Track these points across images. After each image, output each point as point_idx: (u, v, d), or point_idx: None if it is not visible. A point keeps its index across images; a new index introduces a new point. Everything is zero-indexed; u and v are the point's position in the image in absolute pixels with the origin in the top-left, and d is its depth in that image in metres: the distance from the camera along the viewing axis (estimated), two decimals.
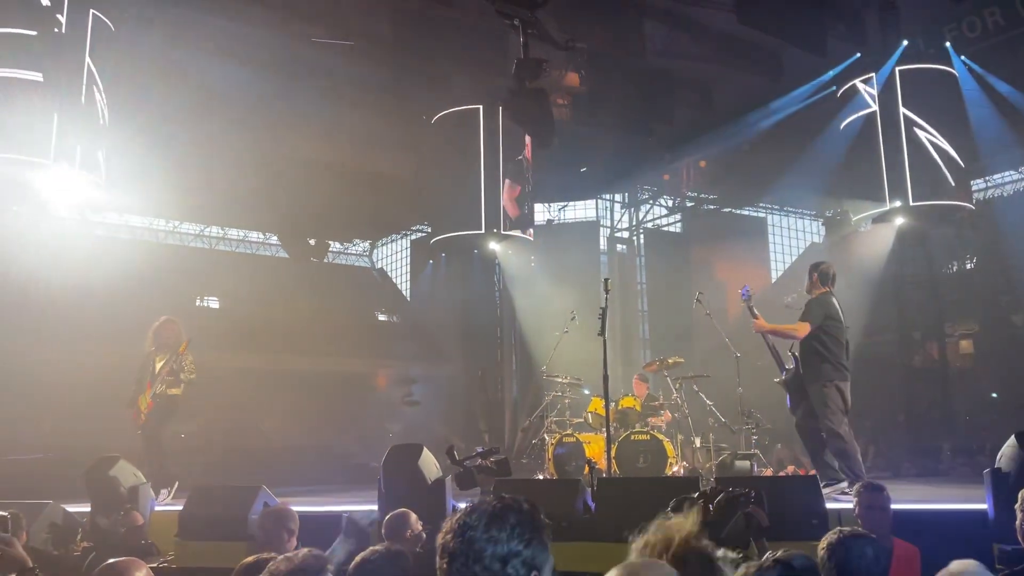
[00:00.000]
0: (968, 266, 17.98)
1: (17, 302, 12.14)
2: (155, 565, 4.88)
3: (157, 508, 6.82)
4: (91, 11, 10.70)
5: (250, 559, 3.19)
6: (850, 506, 4.80)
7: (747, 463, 9.02)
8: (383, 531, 4.35)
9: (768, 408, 10.31)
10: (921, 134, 12.13)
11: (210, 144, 14.88)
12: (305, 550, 2.89)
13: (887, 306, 13.78)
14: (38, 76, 10.16)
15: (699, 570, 2.30)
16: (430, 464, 5.92)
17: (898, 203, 12.19)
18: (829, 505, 5.28)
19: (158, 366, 8.01)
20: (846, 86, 12.99)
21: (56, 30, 10.32)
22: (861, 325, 14.30)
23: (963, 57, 12.78)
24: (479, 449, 5.68)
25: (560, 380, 10.33)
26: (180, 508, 6.30)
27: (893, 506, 4.71)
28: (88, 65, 10.64)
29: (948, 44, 12.80)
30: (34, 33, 10.21)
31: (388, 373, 19.20)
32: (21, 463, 11.68)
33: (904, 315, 13.50)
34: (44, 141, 10.10)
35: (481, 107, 13.44)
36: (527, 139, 13.52)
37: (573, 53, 13.14)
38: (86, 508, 6.44)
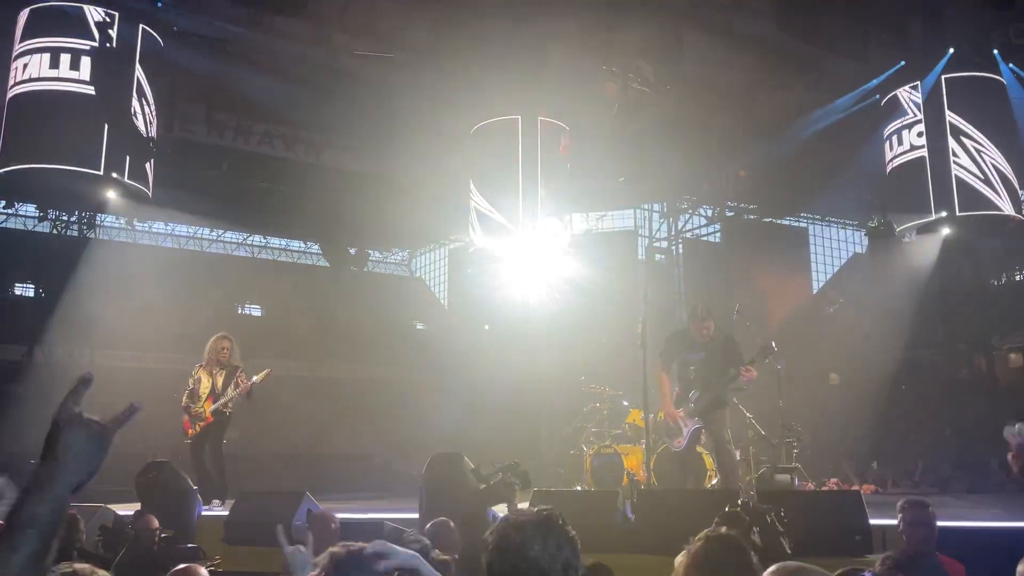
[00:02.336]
0: (1017, 277, 17.59)
1: (64, 310, 12.49)
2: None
3: (204, 513, 6.96)
4: (141, 26, 11.01)
5: None
6: (894, 522, 4.73)
7: (787, 477, 8.91)
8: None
9: (810, 421, 10.18)
10: (968, 143, 11.92)
11: (253, 155, 15.18)
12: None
13: (933, 318, 13.53)
14: (90, 89, 10.48)
15: None
16: (470, 473, 5.96)
17: (944, 213, 11.97)
18: (873, 521, 5.21)
19: (218, 382, 8.16)
20: (890, 94, 12.80)
21: (107, 44, 10.63)
22: (906, 338, 14.09)
23: (1011, 64, 12.53)
24: (496, 466, 5.68)
25: (598, 390, 10.31)
26: (226, 513, 6.42)
27: (939, 522, 4.63)
28: (137, 78, 10.94)
29: (995, 51, 12.55)
30: (87, 47, 10.54)
31: (426, 381, 19.29)
32: None
33: (951, 327, 13.24)
34: (94, 152, 10.41)
35: (519, 117, 13.48)
36: (563, 137, 13.53)
37: (611, 61, 13.16)
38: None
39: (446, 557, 3.48)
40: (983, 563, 4.06)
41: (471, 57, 12.77)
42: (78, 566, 2.46)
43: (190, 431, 8.16)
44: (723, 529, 2.72)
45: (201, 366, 8.31)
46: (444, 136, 14.84)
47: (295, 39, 12.68)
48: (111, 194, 10.95)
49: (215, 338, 8.33)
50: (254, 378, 8.15)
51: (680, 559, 2.45)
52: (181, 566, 3.02)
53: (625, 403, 10.40)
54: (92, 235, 13.53)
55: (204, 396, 8.14)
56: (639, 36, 12.10)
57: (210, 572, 5.26)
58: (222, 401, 8.06)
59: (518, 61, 12.81)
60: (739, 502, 3.64)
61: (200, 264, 20.31)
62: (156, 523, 5.61)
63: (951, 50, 12.25)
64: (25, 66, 10.48)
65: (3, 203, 12.93)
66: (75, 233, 12.88)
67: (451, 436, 15.78)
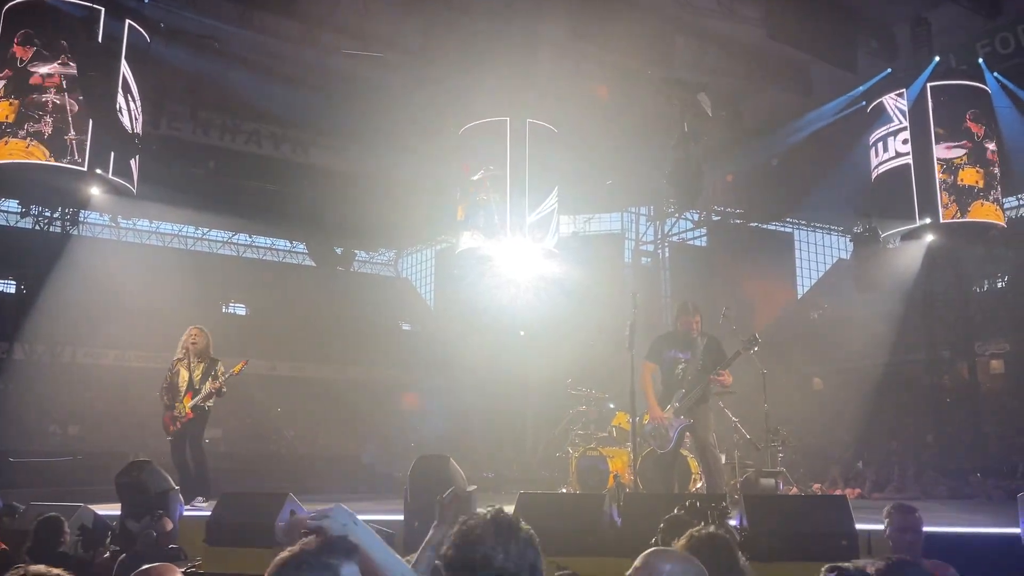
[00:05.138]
0: (999, 284, 17.74)
1: (46, 307, 12.36)
2: (184, 570, 4.92)
3: (185, 513, 6.88)
4: (127, 22, 10.89)
5: (286, 553, 3.17)
6: (880, 527, 4.74)
7: (772, 481, 8.92)
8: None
9: (795, 426, 10.21)
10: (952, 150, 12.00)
11: (240, 153, 15.09)
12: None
13: (916, 324, 13.61)
14: (75, 85, 10.36)
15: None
16: (457, 475, 5.92)
17: (928, 220, 12.04)
18: (859, 526, 5.20)
19: (195, 375, 8.10)
20: (876, 102, 12.87)
21: (93, 40, 10.51)
22: (889, 344, 14.19)
23: (996, 73, 12.63)
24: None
25: (584, 393, 10.30)
26: (208, 514, 6.35)
27: (923, 528, 4.64)
28: (123, 74, 10.82)
29: (981, 60, 12.65)
30: (72, 43, 10.42)
31: (412, 382, 19.24)
32: (49, 464, 11.86)
33: (933, 334, 13.32)
34: (79, 148, 10.29)
35: (508, 119, 13.45)
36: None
37: (603, 66, 13.19)
38: (115, 511, 6.51)
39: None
40: (969, 570, 4.07)
41: (460, 58, 12.73)
42: (32, 568, 2.40)
43: (171, 428, 8.08)
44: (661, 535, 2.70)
45: (179, 359, 8.25)
46: (432, 137, 14.81)
47: (284, 37, 12.62)
48: (95, 190, 10.84)
49: (187, 332, 8.29)
50: (231, 370, 8.10)
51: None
52: (146, 566, 2.96)
53: (611, 406, 10.40)
54: (75, 232, 13.39)
55: (183, 390, 8.07)
56: (629, 41, 12.13)
57: (192, 574, 5.21)
58: (200, 396, 8.01)
59: (508, 63, 12.79)
60: (686, 504, 3.59)
61: (185, 262, 20.17)
62: (171, 525, 5.56)
63: (936, 59, 12.33)
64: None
65: None
66: (58, 229, 12.75)
67: (436, 437, 15.76)
